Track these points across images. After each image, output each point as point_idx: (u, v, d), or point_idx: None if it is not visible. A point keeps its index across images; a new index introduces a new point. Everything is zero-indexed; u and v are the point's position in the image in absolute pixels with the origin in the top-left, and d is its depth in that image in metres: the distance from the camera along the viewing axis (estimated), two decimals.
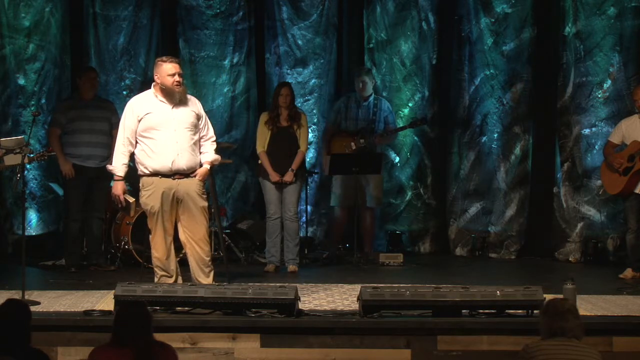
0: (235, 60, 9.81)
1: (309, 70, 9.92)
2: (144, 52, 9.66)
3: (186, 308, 5.98)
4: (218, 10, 9.80)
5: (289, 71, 9.89)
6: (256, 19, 9.93)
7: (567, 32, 9.26)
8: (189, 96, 6.83)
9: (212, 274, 6.74)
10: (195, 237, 6.66)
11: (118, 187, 6.75)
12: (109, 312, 5.84)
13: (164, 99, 6.64)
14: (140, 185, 6.73)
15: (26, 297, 6.31)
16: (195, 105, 6.78)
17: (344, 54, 10.07)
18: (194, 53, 9.78)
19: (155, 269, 6.75)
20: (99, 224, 8.44)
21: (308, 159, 9.55)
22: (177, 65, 6.64)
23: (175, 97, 6.64)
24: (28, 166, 8.56)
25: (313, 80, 9.92)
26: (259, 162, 8.37)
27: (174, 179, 6.62)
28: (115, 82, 9.59)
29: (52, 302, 6.42)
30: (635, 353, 5.73)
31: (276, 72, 9.89)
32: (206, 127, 6.83)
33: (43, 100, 9.33)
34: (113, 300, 5.84)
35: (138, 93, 9.51)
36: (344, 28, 10.08)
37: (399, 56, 9.79)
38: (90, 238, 8.44)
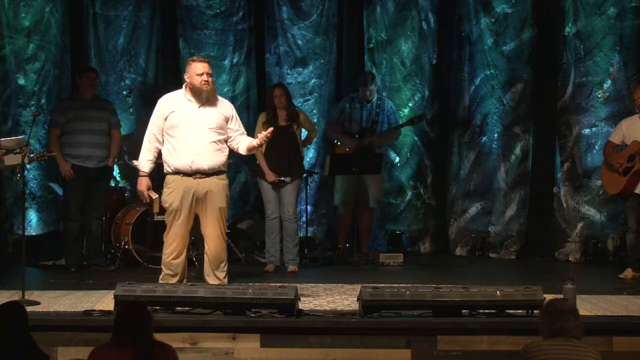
0: (235, 60, 9.81)
1: (309, 70, 9.92)
2: (144, 52, 9.66)
3: (186, 308, 5.98)
4: (218, 10, 9.80)
5: (289, 71, 9.89)
6: (256, 19, 9.93)
7: (567, 32, 9.26)
8: (219, 97, 6.83)
9: (222, 275, 6.72)
10: (209, 236, 6.67)
11: (142, 183, 6.73)
12: (109, 312, 5.83)
13: (192, 98, 6.65)
14: (164, 182, 6.73)
15: (26, 297, 6.31)
16: (224, 107, 6.76)
17: (344, 54, 10.07)
18: (194, 53, 9.74)
19: (162, 265, 6.74)
20: (98, 224, 8.43)
21: (308, 159, 9.57)
22: (206, 65, 6.64)
23: (202, 97, 6.63)
24: (28, 166, 8.55)
25: (313, 80, 9.92)
26: (257, 162, 8.38)
27: (195, 178, 6.61)
28: (115, 82, 9.58)
29: (52, 302, 6.41)
30: (635, 353, 5.72)
31: (276, 72, 9.89)
32: (237, 124, 6.82)
33: (43, 100, 9.33)
34: (113, 300, 5.84)
35: (138, 93, 9.63)
36: (344, 28, 10.08)
37: (399, 56, 9.79)
38: (89, 238, 8.43)
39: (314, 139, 9.11)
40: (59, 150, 8.19)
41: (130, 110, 9.59)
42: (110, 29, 9.59)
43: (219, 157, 6.68)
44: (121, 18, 9.59)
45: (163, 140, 6.67)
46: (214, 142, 6.65)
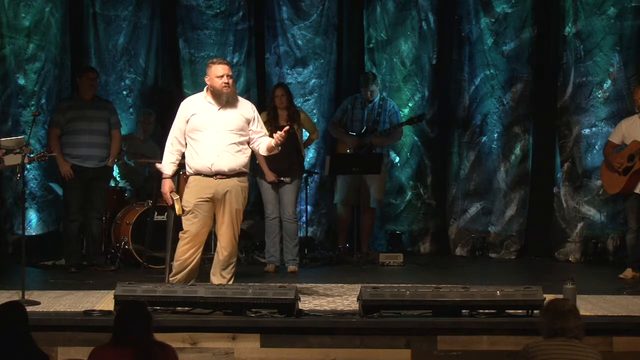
0: (235, 60, 9.81)
1: (309, 70, 9.92)
2: (144, 52, 9.66)
3: (186, 308, 5.98)
4: (218, 10, 9.80)
5: (289, 71, 9.89)
6: (256, 19, 9.94)
7: (567, 32, 9.27)
8: (240, 99, 6.78)
9: (228, 275, 6.67)
10: (222, 236, 6.66)
11: (166, 186, 6.69)
12: (109, 312, 5.83)
13: (212, 101, 6.62)
14: (186, 184, 6.72)
15: (26, 297, 6.31)
16: (245, 109, 6.71)
17: (344, 54, 10.07)
18: (194, 53, 9.78)
19: (174, 262, 6.71)
20: (98, 224, 8.43)
21: (308, 159, 9.57)
22: (226, 67, 6.61)
23: (222, 99, 6.61)
24: (28, 166, 8.56)
25: (313, 80, 9.93)
26: (257, 162, 8.38)
27: (215, 179, 6.58)
28: (115, 82, 9.59)
29: (52, 302, 6.41)
30: (635, 353, 5.72)
31: (276, 72, 9.89)
32: (259, 126, 6.76)
33: (43, 100, 9.33)
34: (113, 300, 5.84)
35: (138, 93, 9.63)
36: (344, 28, 10.09)
37: (399, 56, 9.79)
38: (89, 238, 8.43)
39: (315, 140, 9.11)
40: (59, 150, 8.19)
41: (130, 110, 9.59)
42: (110, 29, 9.59)
43: (239, 159, 6.64)
44: (121, 18, 9.59)
45: (186, 143, 6.66)
46: (234, 143, 6.61)
